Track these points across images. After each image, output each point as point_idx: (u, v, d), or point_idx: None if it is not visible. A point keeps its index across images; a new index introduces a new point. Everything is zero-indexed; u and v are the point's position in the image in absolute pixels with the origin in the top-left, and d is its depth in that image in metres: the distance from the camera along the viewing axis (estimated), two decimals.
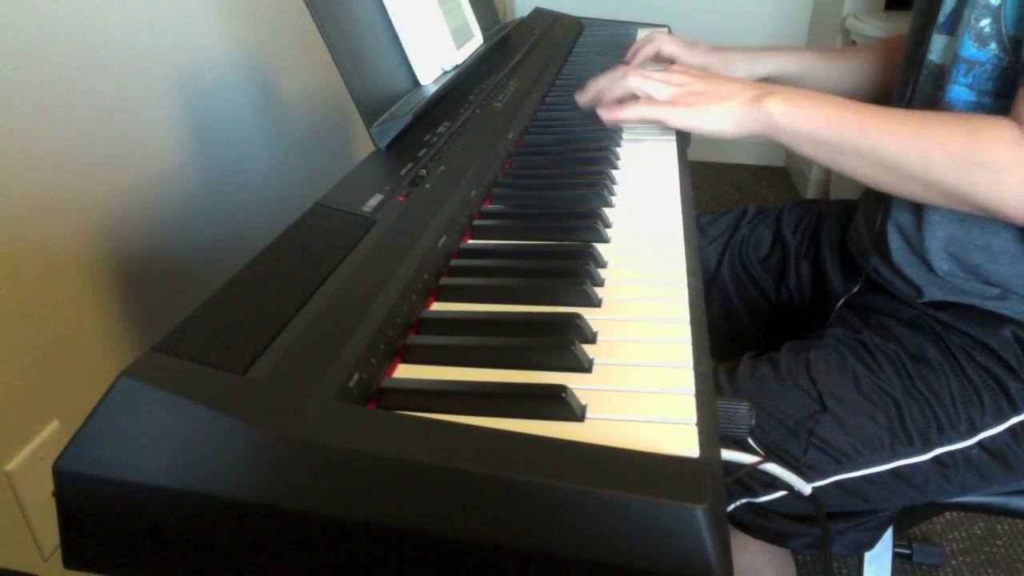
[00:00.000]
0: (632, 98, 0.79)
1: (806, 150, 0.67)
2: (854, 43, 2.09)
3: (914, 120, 0.62)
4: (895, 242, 0.73)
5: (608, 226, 0.63)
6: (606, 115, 0.78)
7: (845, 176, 0.67)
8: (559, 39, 1.23)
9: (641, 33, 1.35)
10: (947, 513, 1.27)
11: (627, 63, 1.09)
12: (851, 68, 0.95)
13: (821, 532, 0.72)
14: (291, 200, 1.28)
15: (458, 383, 0.42)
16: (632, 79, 0.76)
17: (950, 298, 0.70)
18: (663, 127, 0.77)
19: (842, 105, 0.65)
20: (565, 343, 0.44)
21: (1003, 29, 0.63)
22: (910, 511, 0.78)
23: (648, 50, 1.04)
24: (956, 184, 0.59)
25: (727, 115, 0.69)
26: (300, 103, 1.34)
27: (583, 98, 0.85)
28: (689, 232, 0.61)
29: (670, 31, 1.34)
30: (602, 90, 0.82)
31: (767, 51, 0.99)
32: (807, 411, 0.68)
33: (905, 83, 0.75)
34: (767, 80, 0.99)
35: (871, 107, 0.64)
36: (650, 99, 0.73)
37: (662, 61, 1.04)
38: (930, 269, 0.70)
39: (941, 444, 0.67)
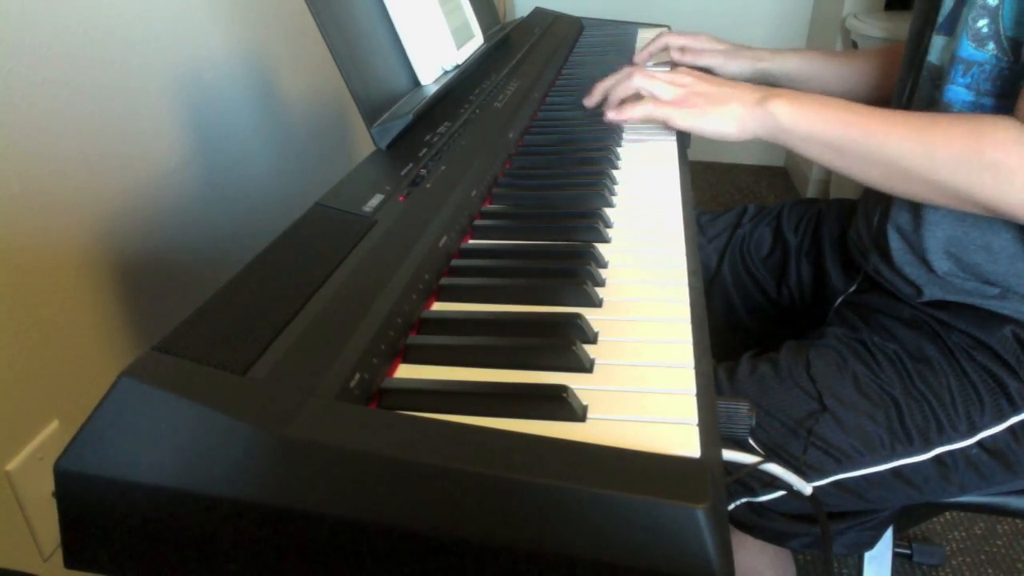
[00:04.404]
0: (637, 98, 0.79)
1: (810, 152, 0.67)
2: (854, 43, 2.09)
3: (918, 121, 0.62)
4: (895, 242, 0.73)
5: (609, 226, 0.63)
6: (612, 115, 0.79)
7: (849, 178, 0.68)
8: (559, 39, 1.23)
9: (641, 33, 1.35)
10: (947, 513, 1.27)
11: (635, 62, 1.09)
12: (852, 71, 0.95)
13: (821, 532, 0.72)
14: (291, 200, 1.28)
15: (459, 383, 0.42)
16: (637, 79, 0.77)
17: (950, 297, 0.70)
18: (667, 128, 0.78)
19: (846, 107, 0.65)
20: (566, 343, 0.44)
21: (1001, 30, 0.63)
22: (910, 511, 0.78)
23: (655, 46, 1.05)
24: (962, 184, 0.60)
25: (731, 118, 0.69)
26: (300, 103, 1.34)
27: (590, 101, 0.86)
28: (690, 232, 0.61)
29: (670, 31, 1.34)
30: (608, 91, 0.82)
31: (770, 50, 1.00)
32: (807, 410, 0.68)
33: (904, 84, 0.75)
34: (767, 78, 0.99)
35: (875, 109, 0.65)
36: (655, 99, 0.74)
37: (669, 55, 1.06)
38: (930, 269, 0.71)
39: (941, 444, 0.67)
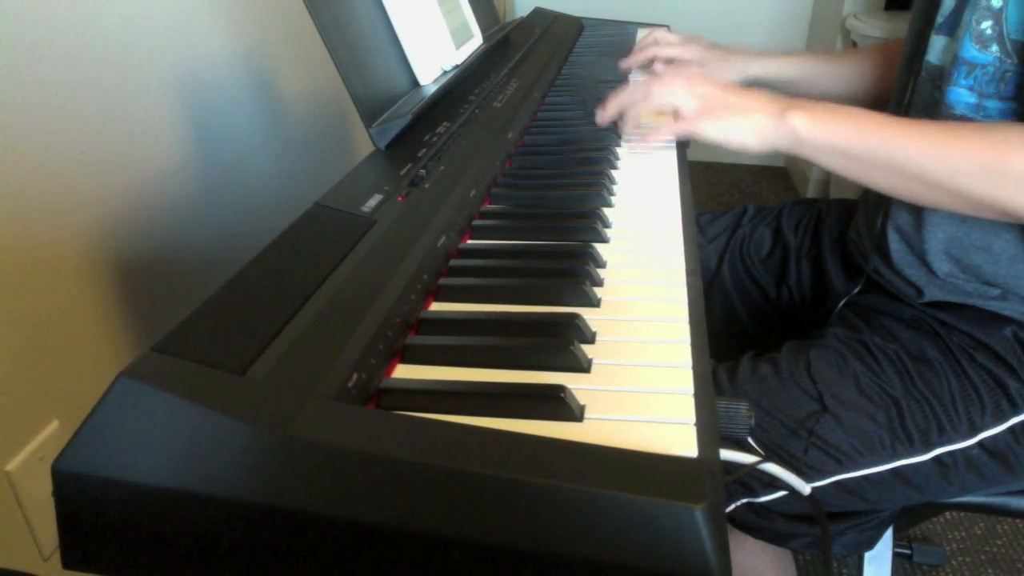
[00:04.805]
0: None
1: (831, 163, 0.67)
2: (854, 43, 2.09)
3: (939, 131, 0.62)
4: (895, 244, 0.73)
5: (608, 226, 0.63)
6: (640, 142, 0.76)
7: (866, 187, 0.67)
8: (559, 39, 1.23)
9: (641, 33, 1.35)
10: (947, 513, 1.27)
11: (625, 68, 1.09)
12: (848, 72, 0.94)
13: (821, 532, 0.72)
14: (291, 200, 1.28)
15: (457, 383, 0.42)
16: (656, 96, 0.74)
17: (951, 298, 0.70)
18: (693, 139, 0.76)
19: (865, 117, 0.65)
20: (564, 343, 0.44)
21: (1005, 32, 0.63)
22: (910, 511, 0.78)
23: (643, 57, 1.04)
24: (985, 193, 0.59)
25: (752, 129, 0.68)
26: (300, 103, 1.34)
27: (605, 116, 0.83)
28: (689, 232, 0.61)
29: (669, 31, 1.34)
30: (626, 108, 0.80)
31: (757, 53, 0.99)
32: (807, 411, 0.68)
33: (903, 86, 0.75)
34: (759, 84, 0.98)
35: (893, 118, 0.64)
36: (678, 112, 0.72)
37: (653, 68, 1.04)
38: (930, 270, 0.70)
39: (941, 444, 0.67)
